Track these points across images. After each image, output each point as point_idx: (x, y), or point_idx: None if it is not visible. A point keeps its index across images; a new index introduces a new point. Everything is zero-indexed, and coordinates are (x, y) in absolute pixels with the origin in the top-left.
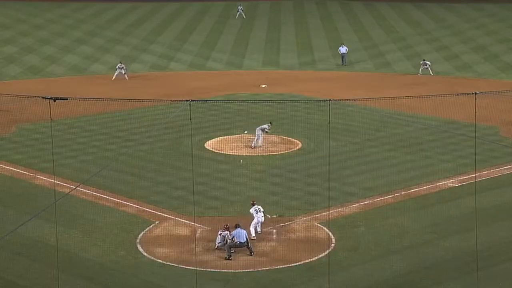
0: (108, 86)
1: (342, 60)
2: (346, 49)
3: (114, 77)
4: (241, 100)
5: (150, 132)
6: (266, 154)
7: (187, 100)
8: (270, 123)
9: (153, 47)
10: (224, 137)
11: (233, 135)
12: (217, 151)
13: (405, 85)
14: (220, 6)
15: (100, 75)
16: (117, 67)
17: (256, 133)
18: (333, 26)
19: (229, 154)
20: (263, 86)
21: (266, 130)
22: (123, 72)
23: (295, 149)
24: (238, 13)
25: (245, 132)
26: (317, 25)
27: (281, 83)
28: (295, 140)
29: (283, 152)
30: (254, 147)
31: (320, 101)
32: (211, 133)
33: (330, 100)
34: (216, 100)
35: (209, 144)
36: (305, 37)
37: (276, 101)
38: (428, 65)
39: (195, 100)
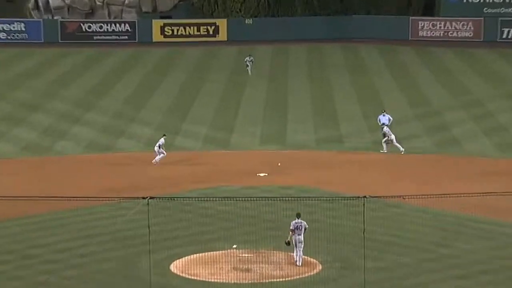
0: (16, 177)
1: (384, 136)
2: (389, 119)
3: (157, 160)
4: (226, 197)
5: (85, 247)
6: (266, 281)
7: (144, 198)
8: (298, 215)
9: (90, 116)
10: (200, 254)
11: (215, 251)
12: (189, 277)
13: (482, 175)
14: (196, 52)
15: (4, 159)
16: (159, 145)
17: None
18: (370, 82)
19: (208, 281)
20: (262, 174)
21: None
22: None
23: (311, 273)
24: (248, 67)
25: (234, 246)
26: (345, 79)
27: (290, 170)
28: (312, 260)
29: (293, 279)
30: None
31: (349, 198)
32: (181, 248)
33: (365, 197)
34: (189, 197)
35: (177, 266)
36: (326, 99)
37: (282, 198)
38: (386, 133)
39: (156, 197)
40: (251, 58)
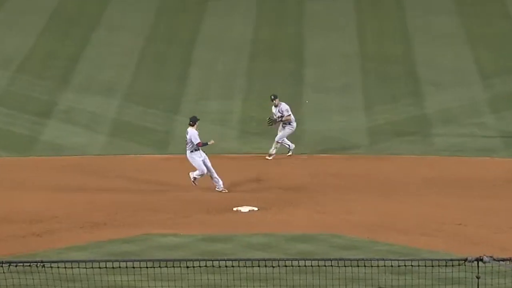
0: None
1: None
2: None
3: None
4: (164, 260)
5: None
6: None
7: None
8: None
9: None
10: None
11: None
12: None
13: None
14: None
15: None
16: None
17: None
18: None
19: None
20: (246, 209)
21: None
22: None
23: None
24: None
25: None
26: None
27: (309, 198)
28: None
29: None
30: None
31: (444, 262)
32: None
33: (480, 260)
34: (82, 261)
35: None
36: (391, 36)
37: (291, 263)
38: (281, 123)
39: (3, 262)
40: None
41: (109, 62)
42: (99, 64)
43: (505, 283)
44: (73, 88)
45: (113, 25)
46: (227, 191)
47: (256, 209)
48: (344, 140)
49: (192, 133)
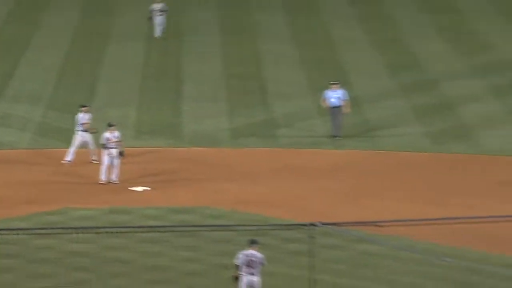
0: None
1: (334, 125)
2: (342, 96)
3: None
4: (79, 228)
5: None
6: None
7: None
8: (253, 243)
9: None
10: None
11: None
12: None
13: (503, 185)
14: None
15: None
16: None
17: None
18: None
19: None
20: (139, 189)
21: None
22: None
23: None
24: (156, 21)
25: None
26: (279, 30)
27: (188, 181)
28: None
29: None
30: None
31: (285, 227)
32: None
33: (312, 225)
34: (8, 229)
35: None
36: (249, 59)
37: (174, 229)
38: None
39: None
40: (161, 5)
41: (36, 78)
42: (27, 79)
43: (330, 243)
44: (7, 99)
45: (39, 45)
46: (103, 183)
47: (148, 188)
48: (213, 137)
49: (106, 136)
